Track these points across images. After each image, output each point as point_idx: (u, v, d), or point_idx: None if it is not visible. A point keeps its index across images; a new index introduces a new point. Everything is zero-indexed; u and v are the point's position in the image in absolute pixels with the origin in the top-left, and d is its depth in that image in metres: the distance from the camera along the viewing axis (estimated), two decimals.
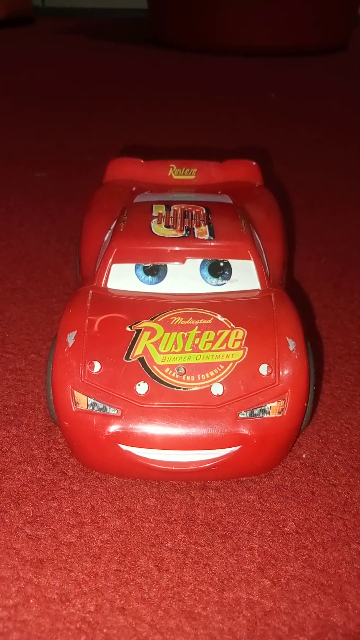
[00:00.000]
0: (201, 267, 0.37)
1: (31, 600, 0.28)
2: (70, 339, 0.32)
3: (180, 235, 0.37)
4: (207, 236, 0.37)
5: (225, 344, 0.33)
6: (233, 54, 1.71)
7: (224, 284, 0.37)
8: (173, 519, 0.32)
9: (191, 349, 0.32)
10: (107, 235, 0.40)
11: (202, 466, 0.31)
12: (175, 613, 0.28)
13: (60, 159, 0.87)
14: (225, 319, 0.34)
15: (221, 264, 0.37)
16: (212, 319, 0.34)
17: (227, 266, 0.37)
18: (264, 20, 1.69)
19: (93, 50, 1.84)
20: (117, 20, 2.53)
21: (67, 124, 1.06)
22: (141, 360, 0.32)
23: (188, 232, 0.38)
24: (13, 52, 1.80)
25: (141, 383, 0.31)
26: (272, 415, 0.31)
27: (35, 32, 2.16)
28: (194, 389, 0.31)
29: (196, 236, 0.37)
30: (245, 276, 0.37)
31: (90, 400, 0.31)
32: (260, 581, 0.29)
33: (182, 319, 0.34)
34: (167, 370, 0.32)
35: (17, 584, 0.28)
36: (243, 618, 0.28)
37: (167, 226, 0.38)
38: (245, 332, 0.33)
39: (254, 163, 0.53)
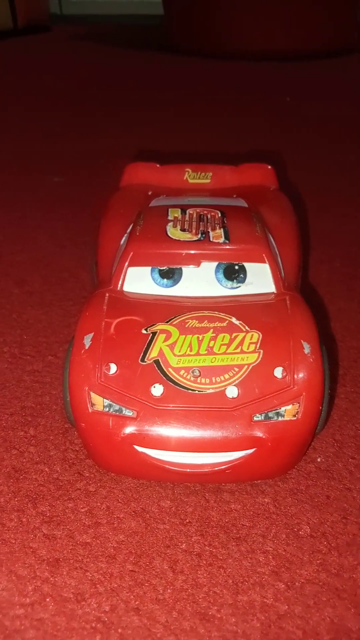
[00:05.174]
0: (216, 271, 0.37)
1: (47, 599, 0.28)
2: (87, 341, 0.33)
3: (195, 238, 0.38)
4: (222, 239, 0.38)
5: (240, 347, 0.33)
6: (246, 58, 1.71)
7: (239, 287, 0.37)
8: (187, 520, 0.32)
9: (206, 352, 0.32)
10: (124, 238, 0.41)
11: (216, 468, 0.31)
12: (190, 615, 0.28)
13: (74, 164, 0.88)
14: (240, 322, 0.34)
15: (236, 267, 0.37)
16: (227, 322, 0.34)
17: (242, 269, 0.37)
18: (276, 24, 1.69)
19: (109, 56, 1.86)
20: (133, 26, 2.55)
21: (82, 129, 1.07)
22: (156, 362, 0.32)
23: (203, 235, 0.38)
24: (30, 59, 1.83)
25: (156, 385, 0.31)
26: (286, 418, 0.31)
27: (51, 40, 2.19)
28: (208, 391, 0.31)
29: (211, 239, 0.38)
30: (260, 279, 0.37)
31: (107, 402, 0.31)
32: (275, 584, 0.29)
33: (197, 321, 0.34)
34: (182, 372, 0.32)
35: (34, 582, 0.29)
36: (257, 621, 0.28)
37: (183, 230, 0.38)
38: (260, 335, 0.33)
39: (269, 167, 0.53)
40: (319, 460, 0.36)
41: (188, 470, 0.32)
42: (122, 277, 0.37)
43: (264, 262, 0.37)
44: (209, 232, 0.38)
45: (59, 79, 1.53)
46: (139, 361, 0.32)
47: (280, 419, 0.31)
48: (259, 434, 0.31)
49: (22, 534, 0.31)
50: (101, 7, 3.04)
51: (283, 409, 0.31)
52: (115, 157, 0.83)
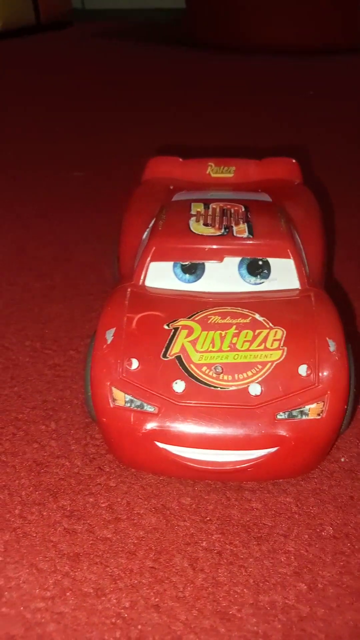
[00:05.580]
0: (239, 266, 0.37)
1: (68, 593, 0.28)
2: (109, 336, 0.33)
3: (218, 233, 0.37)
4: (246, 234, 0.37)
5: (263, 344, 0.32)
6: (268, 52, 1.70)
7: (263, 282, 0.36)
8: (208, 518, 0.32)
9: (229, 348, 0.32)
10: (146, 233, 0.40)
11: (238, 466, 0.31)
12: (210, 613, 0.27)
13: (97, 159, 0.88)
14: (264, 318, 0.33)
15: (260, 263, 0.36)
16: (250, 318, 0.33)
17: (266, 265, 0.36)
18: (298, 18, 1.69)
19: (129, 51, 1.85)
20: (155, 21, 2.54)
21: (104, 125, 1.07)
22: (178, 358, 0.32)
23: (227, 230, 0.37)
24: (52, 54, 1.84)
25: (178, 381, 0.31)
26: (310, 417, 0.31)
27: (73, 35, 2.20)
28: (231, 388, 0.31)
29: (235, 234, 0.37)
30: (284, 275, 0.37)
31: (128, 397, 0.31)
32: (297, 585, 0.29)
33: (219, 317, 0.33)
34: (204, 369, 0.32)
35: (55, 576, 0.29)
36: (278, 622, 0.27)
37: (206, 224, 0.38)
38: (284, 332, 0.33)
39: (294, 161, 0.52)
40: (342, 460, 0.36)
41: (209, 467, 0.31)
42: (144, 272, 0.37)
43: (289, 257, 0.37)
44: (232, 226, 0.38)
45: (80, 75, 1.54)
46: (161, 357, 0.32)
47: (304, 417, 0.31)
48: (282, 432, 0.30)
49: (43, 528, 0.31)
50: (123, 2, 3.04)
51: (307, 407, 0.31)
52: (137, 152, 0.83)
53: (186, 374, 0.31)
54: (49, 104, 1.25)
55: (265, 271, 0.36)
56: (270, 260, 0.37)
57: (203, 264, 0.37)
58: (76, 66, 1.65)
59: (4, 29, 2.06)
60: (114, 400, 0.31)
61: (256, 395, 0.31)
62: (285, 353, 0.32)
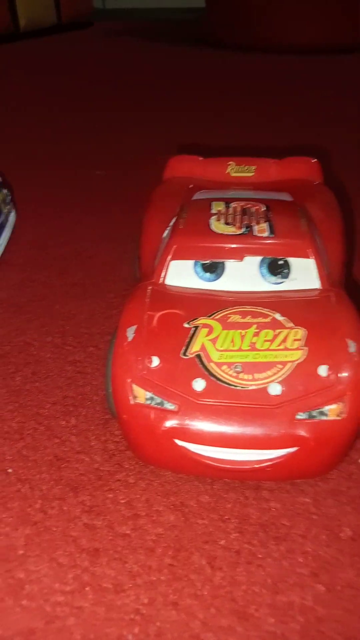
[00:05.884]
0: (260, 265, 0.36)
1: (87, 588, 0.28)
2: (130, 333, 0.33)
3: (239, 232, 0.37)
4: (266, 234, 0.37)
5: (283, 344, 0.32)
6: (288, 52, 1.69)
7: (283, 282, 0.36)
8: (226, 517, 0.32)
9: (249, 348, 0.32)
10: (167, 232, 0.41)
11: (257, 466, 0.31)
12: (228, 612, 0.27)
13: (115, 158, 0.89)
14: (284, 318, 0.33)
15: (280, 262, 0.36)
16: (270, 317, 0.33)
17: (287, 264, 0.36)
18: (318, 17, 1.68)
19: (150, 51, 1.86)
20: (175, 20, 2.54)
21: (124, 124, 1.08)
22: (198, 356, 0.32)
23: (247, 229, 0.37)
24: (72, 54, 1.85)
25: (198, 379, 0.31)
26: (330, 417, 0.31)
27: (94, 34, 2.21)
28: (250, 387, 0.31)
29: (255, 234, 0.37)
30: (304, 275, 0.36)
31: (149, 395, 0.31)
32: (314, 586, 0.29)
33: (239, 316, 0.33)
34: (224, 367, 0.32)
35: (74, 571, 0.29)
36: (296, 623, 0.27)
37: (227, 223, 0.38)
38: (305, 332, 0.32)
39: (314, 160, 0.52)
40: None
41: (228, 466, 0.31)
42: (165, 270, 0.37)
43: (309, 257, 0.36)
44: (253, 226, 0.38)
45: (100, 74, 1.55)
46: (181, 355, 0.32)
47: (323, 418, 0.31)
48: (302, 432, 0.30)
49: (63, 523, 0.32)
50: (143, 1, 3.04)
51: (327, 408, 0.31)
52: (156, 151, 0.83)
53: (206, 372, 0.31)
54: (68, 103, 1.26)
55: (286, 271, 0.36)
56: (291, 259, 0.36)
57: (223, 262, 0.37)
58: (96, 65, 1.66)
59: (27, 29, 2.09)
60: (134, 397, 0.31)
61: (276, 395, 0.31)
62: (305, 353, 0.32)
